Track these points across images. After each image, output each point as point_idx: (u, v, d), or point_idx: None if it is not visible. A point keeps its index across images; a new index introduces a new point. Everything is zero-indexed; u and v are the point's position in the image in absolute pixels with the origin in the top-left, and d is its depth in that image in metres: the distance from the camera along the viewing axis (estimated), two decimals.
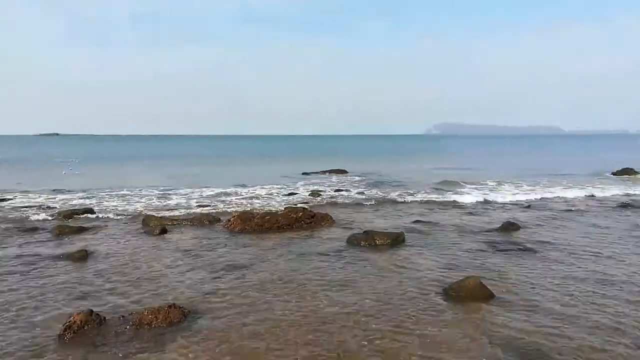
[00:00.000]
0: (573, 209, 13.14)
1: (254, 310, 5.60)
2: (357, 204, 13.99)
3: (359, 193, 16.44)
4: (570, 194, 15.97)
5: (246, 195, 15.63)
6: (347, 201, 14.60)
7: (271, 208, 12.89)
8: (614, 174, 23.08)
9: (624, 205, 13.51)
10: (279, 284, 6.61)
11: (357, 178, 21.99)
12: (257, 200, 14.64)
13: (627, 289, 6.30)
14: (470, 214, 12.49)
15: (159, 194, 16.15)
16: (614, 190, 16.79)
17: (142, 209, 13.10)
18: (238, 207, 13.38)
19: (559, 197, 15.46)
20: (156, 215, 11.66)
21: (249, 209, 12.89)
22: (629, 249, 8.58)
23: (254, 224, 10.43)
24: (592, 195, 15.71)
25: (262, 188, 17.37)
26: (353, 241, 9.12)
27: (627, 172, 22.84)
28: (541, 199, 14.99)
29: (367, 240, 9.04)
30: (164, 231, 10.11)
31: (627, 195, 15.82)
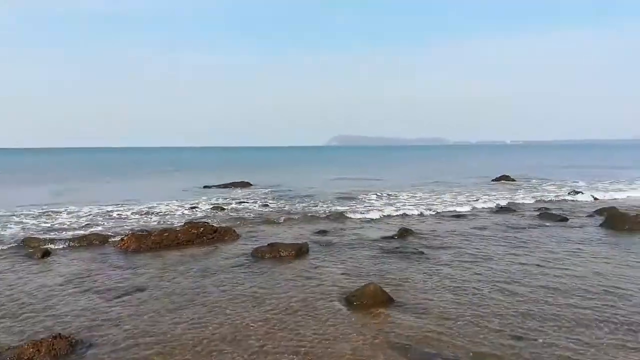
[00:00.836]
0: (460, 214, 14.33)
1: (151, 335, 5.27)
2: (262, 217, 13.90)
3: (263, 205, 16.35)
4: (458, 199, 17.43)
5: (141, 212, 14.68)
6: (251, 214, 14.44)
7: (170, 224, 12.29)
8: (493, 180, 25.67)
9: (502, 209, 15.08)
10: (179, 304, 6.30)
11: (261, 190, 21.86)
12: (154, 217, 13.85)
13: (508, 287, 7.01)
14: (370, 222, 13.06)
15: (40, 212, 14.55)
16: (494, 195, 18.69)
17: (21, 230, 11.71)
18: (133, 224, 12.56)
19: (448, 202, 16.75)
20: (38, 237, 10.50)
21: (144, 226, 12.16)
22: (510, 248, 9.58)
23: (151, 241, 9.85)
24: (476, 200, 17.28)
25: (159, 204, 16.44)
26: (258, 254, 9.04)
27: (504, 178, 25.57)
28: (433, 205, 16.12)
29: (271, 252, 9.02)
30: (47, 254, 9.13)
31: (505, 199, 17.64)
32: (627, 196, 18.47)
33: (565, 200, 17.45)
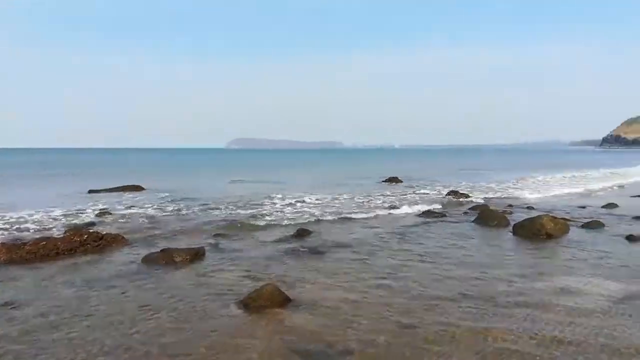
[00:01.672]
0: (355, 213, 14.99)
1: (23, 357, 4.78)
2: (154, 222, 13.23)
3: (156, 210, 15.57)
4: (355, 200, 18.23)
5: (12, 221, 13.10)
6: (143, 219, 13.67)
7: (50, 234, 11.18)
8: (384, 181, 27.32)
9: (392, 207, 16.11)
10: (57, 319, 5.79)
11: (154, 194, 20.73)
12: (30, 226, 12.46)
13: (394, 281, 7.53)
14: (269, 224, 13.10)
15: None
16: (386, 195, 19.88)
17: None
18: (1, 235, 11.20)
19: (344, 203, 17.44)
20: None
21: (18, 236, 10.92)
22: (397, 243, 10.28)
23: (25, 252, 8.89)
24: (369, 200, 18.22)
25: (36, 211, 14.79)
26: (150, 261, 8.62)
27: (393, 180, 27.32)
28: (330, 206, 16.67)
29: (165, 258, 8.66)
30: None
31: (395, 198, 18.83)
32: (499, 195, 20.77)
33: (445, 198, 19.13)
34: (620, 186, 25.15)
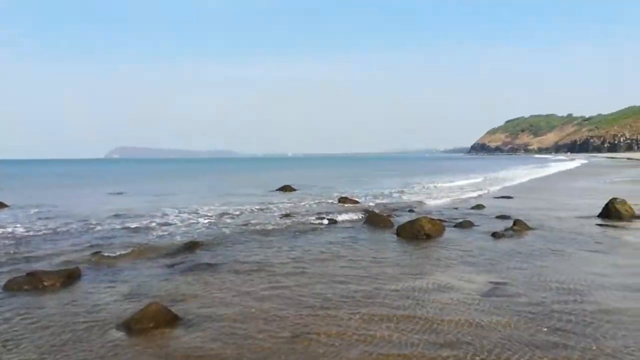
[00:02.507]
0: (250, 223, 14.76)
1: None
2: (21, 242, 11.70)
3: (23, 228, 13.79)
4: (248, 209, 17.97)
5: None
6: (6, 240, 12.01)
7: None
8: (278, 189, 27.43)
9: (285, 215, 16.20)
10: None
11: (20, 211, 18.35)
12: None
13: (286, 290, 7.56)
14: (155, 237, 12.33)
15: None
16: (280, 202, 19.95)
17: None
18: None
19: (237, 213, 17.09)
20: None
21: None
22: (288, 251, 10.33)
23: None
24: (264, 210, 18.11)
25: None
26: (13, 287, 7.59)
27: (287, 188, 27.53)
28: (220, 216, 16.22)
29: (31, 282, 7.68)
30: None
31: (290, 205, 18.98)
32: (385, 201, 22.03)
33: (336, 204, 19.79)
34: (485, 190, 28.21)
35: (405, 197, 22.96)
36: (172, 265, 9.15)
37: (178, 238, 12.25)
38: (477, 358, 4.92)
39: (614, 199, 14.86)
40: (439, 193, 25.39)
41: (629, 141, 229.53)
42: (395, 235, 12.26)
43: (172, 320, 6.00)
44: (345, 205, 19.69)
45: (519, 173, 47.71)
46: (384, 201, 21.61)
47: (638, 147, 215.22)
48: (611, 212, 14.45)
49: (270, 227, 13.98)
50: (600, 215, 14.73)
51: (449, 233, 12.54)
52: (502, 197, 22.53)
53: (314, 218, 15.53)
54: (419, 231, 12.00)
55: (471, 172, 51.39)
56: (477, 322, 5.92)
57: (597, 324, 5.76)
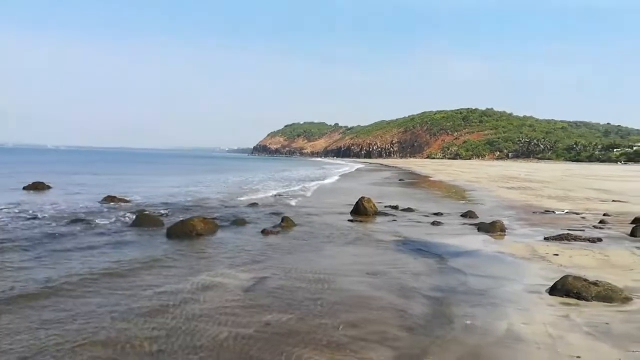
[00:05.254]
0: None
1: None
2: None
3: None
4: None
5: None
6: None
7: None
8: (25, 188, 22.80)
9: (34, 218, 13.72)
10: None
11: None
12: None
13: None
14: None
15: None
16: (32, 202, 16.80)
17: None
18: None
19: None
20: None
21: None
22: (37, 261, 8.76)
23: None
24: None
25: None
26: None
27: (37, 186, 23.08)
28: None
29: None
30: None
31: (50, 205, 16.15)
32: (156, 202, 20.87)
33: (102, 203, 17.83)
34: (271, 190, 29.64)
35: (178, 195, 22.30)
36: None
37: None
38: (228, 353, 5.02)
39: (362, 197, 17.44)
40: (220, 190, 25.52)
41: (379, 149, 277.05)
42: (165, 237, 11.68)
43: None
44: (112, 203, 17.93)
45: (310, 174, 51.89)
46: (155, 202, 20.45)
47: (386, 155, 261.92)
48: (360, 209, 16.90)
49: (15, 230, 11.63)
50: (352, 212, 17.08)
51: (222, 231, 12.64)
52: (279, 195, 24.09)
53: (69, 221, 13.59)
54: (190, 231, 11.74)
55: (259, 170, 53.34)
56: (233, 319, 6.06)
57: (335, 308, 6.58)
